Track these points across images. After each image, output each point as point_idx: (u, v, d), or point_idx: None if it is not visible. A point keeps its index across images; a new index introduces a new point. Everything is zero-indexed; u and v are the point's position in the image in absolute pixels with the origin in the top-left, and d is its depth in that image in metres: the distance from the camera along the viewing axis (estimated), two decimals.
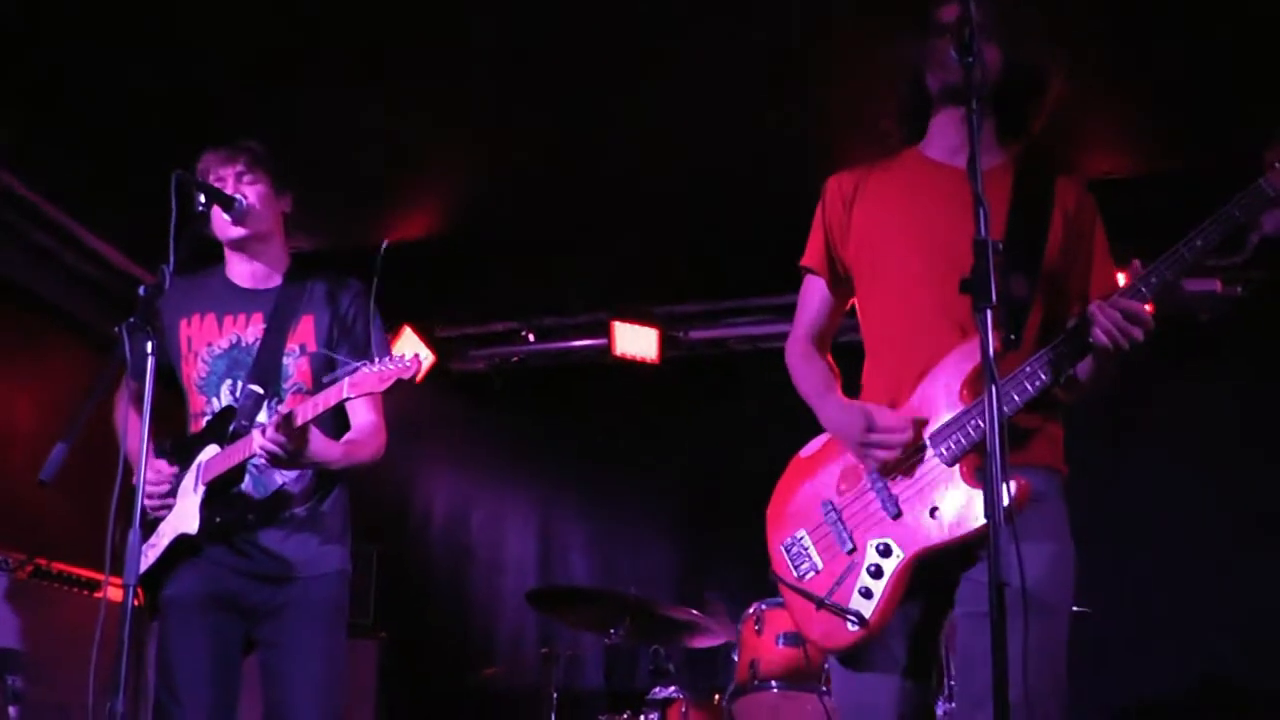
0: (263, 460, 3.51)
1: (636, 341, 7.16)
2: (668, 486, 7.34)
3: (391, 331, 6.90)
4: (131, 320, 3.11)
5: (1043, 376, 2.75)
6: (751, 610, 4.75)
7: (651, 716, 5.12)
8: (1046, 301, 2.92)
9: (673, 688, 5.12)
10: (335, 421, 3.76)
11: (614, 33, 5.24)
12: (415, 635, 7.00)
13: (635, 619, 5.10)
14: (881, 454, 2.84)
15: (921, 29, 2.99)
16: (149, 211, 3.53)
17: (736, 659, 4.79)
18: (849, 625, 2.83)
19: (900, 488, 2.84)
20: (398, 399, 3.62)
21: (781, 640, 4.64)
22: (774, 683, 4.57)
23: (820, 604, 2.87)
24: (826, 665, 4.51)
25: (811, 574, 2.92)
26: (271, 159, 3.89)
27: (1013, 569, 2.51)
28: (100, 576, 5.28)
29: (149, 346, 3.09)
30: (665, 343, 7.23)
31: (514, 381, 7.73)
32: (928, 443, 2.82)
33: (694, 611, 5.09)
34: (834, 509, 2.93)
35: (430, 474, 7.83)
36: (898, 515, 2.82)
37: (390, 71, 5.52)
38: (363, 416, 3.81)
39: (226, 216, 3.76)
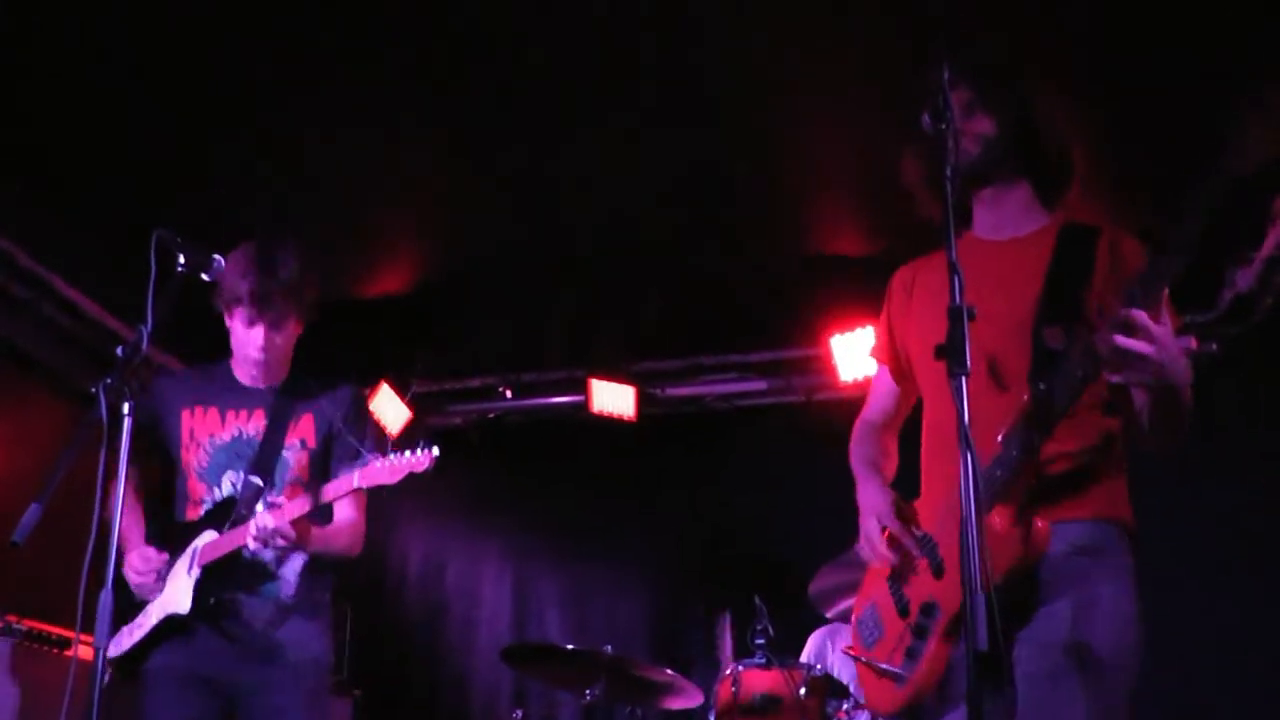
0: (255, 545, 3.58)
1: (614, 399, 7.16)
2: (644, 544, 7.32)
3: (368, 387, 6.90)
4: (108, 381, 3.10)
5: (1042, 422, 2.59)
6: (728, 671, 4.72)
7: None
8: None
9: None
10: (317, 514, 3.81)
11: (589, 87, 5.31)
12: (389, 692, 6.95)
13: (611, 678, 5.06)
14: (865, 552, 2.89)
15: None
16: (127, 265, 3.52)
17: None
18: (896, 686, 2.76)
19: (944, 546, 2.74)
20: None
21: (758, 701, 4.61)
22: None
23: (876, 669, 2.82)
24: None
25: (876, 643, 2.89)
26: (307, 292, 3.88)
27: (1058, 622, 2.55)
28: (71, 634, 5.23)
29: (125, 408, 3.07)
30: (642, 400, 7.23)
31: (491, 437, 7.71)
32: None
33: (670, 671, 5.05)
34: (896, 575, 2.86)
35: (405, 529, 7.79)
36: (941, 573, 2.73)
37: (366, 126, 5.56)
38: (344, 512, 3.89)
39: (250, 337, 3.82)
